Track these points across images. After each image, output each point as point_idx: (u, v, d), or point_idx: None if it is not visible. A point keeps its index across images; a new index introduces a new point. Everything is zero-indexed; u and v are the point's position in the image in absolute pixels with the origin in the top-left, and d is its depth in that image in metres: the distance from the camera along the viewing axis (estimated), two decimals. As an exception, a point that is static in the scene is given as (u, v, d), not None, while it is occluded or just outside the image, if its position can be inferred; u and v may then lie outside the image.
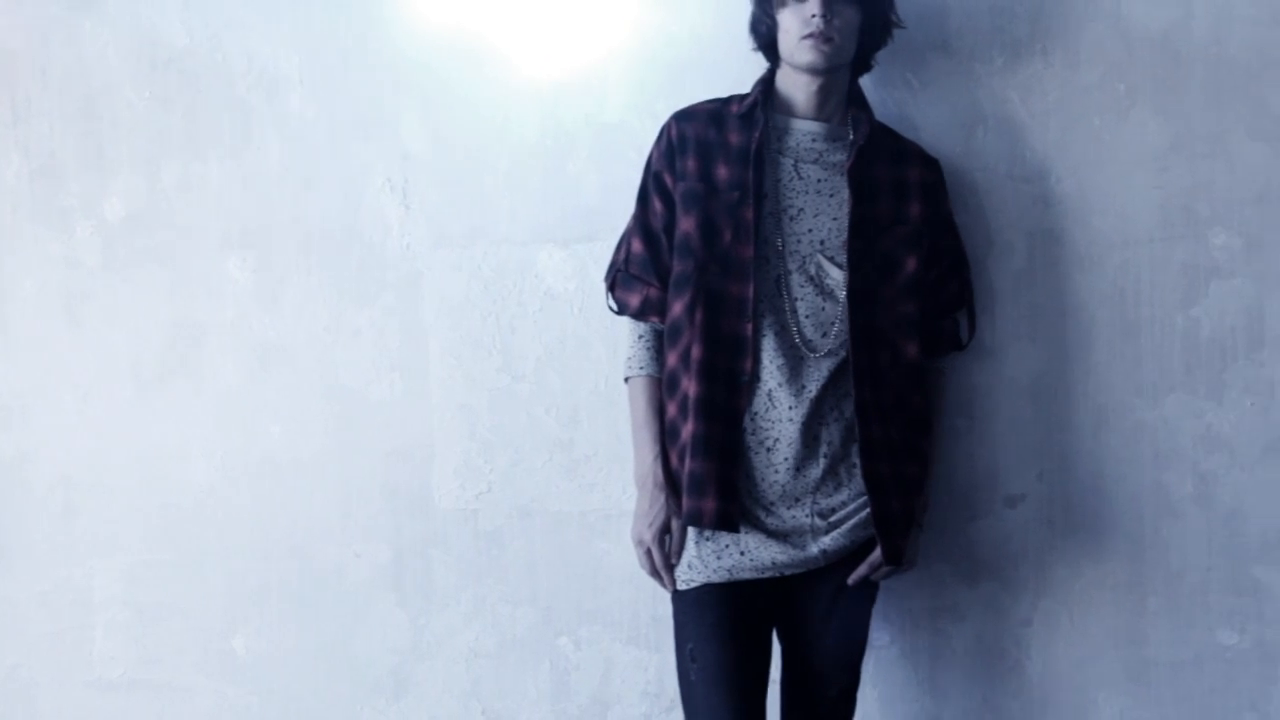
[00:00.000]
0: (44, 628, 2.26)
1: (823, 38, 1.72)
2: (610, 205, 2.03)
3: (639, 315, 1.84)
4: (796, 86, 1.80)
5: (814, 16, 1.71)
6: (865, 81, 1.89)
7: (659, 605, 2.04)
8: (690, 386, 1.74)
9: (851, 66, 1.82)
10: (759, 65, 1.86)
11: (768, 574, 1.75)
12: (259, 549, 2.18)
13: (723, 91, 1.87)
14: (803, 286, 1.77)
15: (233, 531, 2.19)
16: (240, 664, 2.20)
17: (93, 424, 2.23)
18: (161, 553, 2.21)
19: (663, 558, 1.78)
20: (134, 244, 2.21)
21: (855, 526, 1.75)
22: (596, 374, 2.07)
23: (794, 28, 1.74)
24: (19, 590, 2.26)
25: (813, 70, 1.75)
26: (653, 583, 1.87)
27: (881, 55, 1.88)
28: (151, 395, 2.21)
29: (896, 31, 1.86)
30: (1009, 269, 1.98)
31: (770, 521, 1.75)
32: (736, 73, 1.90)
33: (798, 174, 1.79)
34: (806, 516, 1.75)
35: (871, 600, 1.84)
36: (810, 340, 1.76)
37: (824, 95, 1.79)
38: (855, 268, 1.76)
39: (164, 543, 2.21)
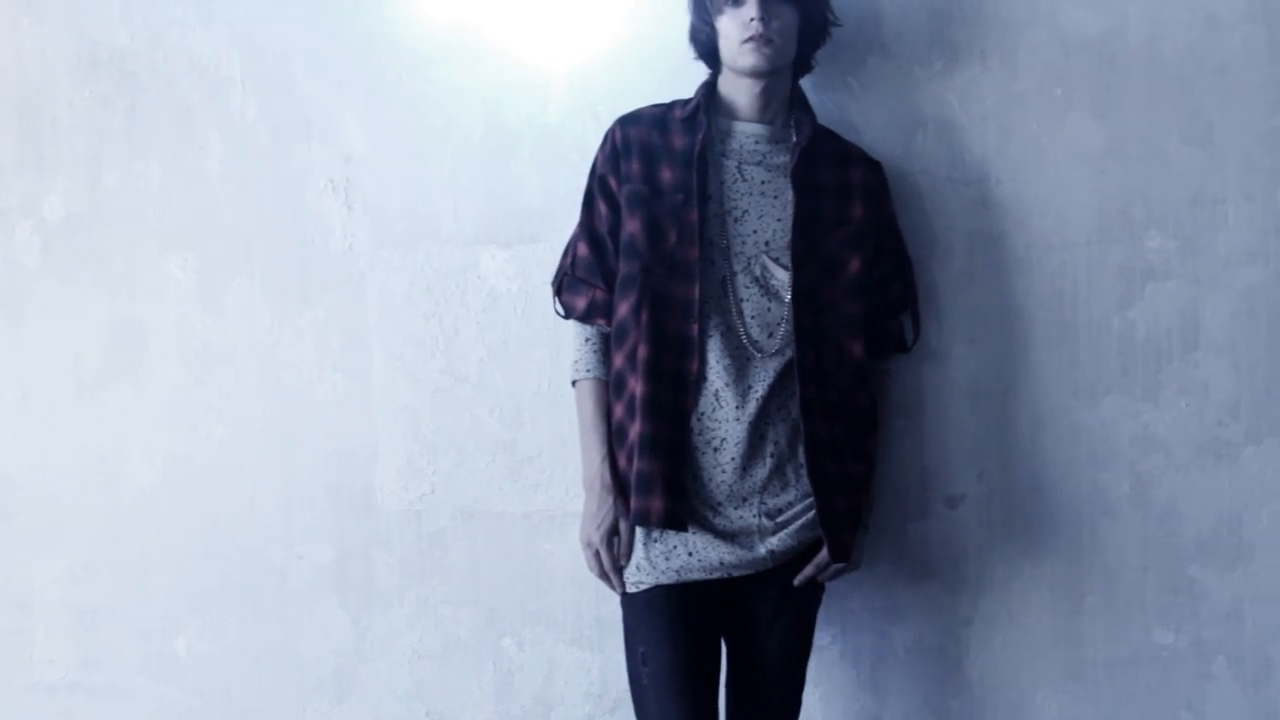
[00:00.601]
0: (-16, 631, 2.25)
1: (763, 40, 1.74)
2: (552, 206, 2.04)
3: (585, 318, 1.85)
4: (738, 90, 1.81)
5: (752, 20, 1.73)
6: (806, 84, 1.91)
7: (602, 606, 2.05)
8: (637, 387, 1.75)
9: (793, 69, 1.84)
10: (702, 70, 1.88)
11: (716, 575, 1.76)
12: (201, 550, 2.18)
13: (665, 94, 1.88)
14: (748, 287, 1.78)
15: (174, 533, 2.18)
16: (182, 666, 2.19)
17: (33, 425, 2.22)
18: (102, 554, 2.20)
19: (611, 560, 1.79)
20: (74, 244, 2.20)
21: (802, 527, 1.76)
22: (540, 375, 2.07)
23: (733, 33, 1.76)
24: (-42, 593, 2.25)
25: (755, 73, 1.77)
26: (596, 584, 1.87)
27: (822, 58, 1.90)
28: (92, 396, 2.20)
29: (837, 35, 1.88)
30: (949, 271, 1.99)
31: (718, 522, 1.76)
32: (680, 77, 1.90)
33: (741, 176, 1.80)
34: (754, 517, 1.76)
35: (817, 602, 1.86)
36: (756, 340, 1.78)
37: (766, 98, 1.81)
38: (800, 268, 1.77)
39: (105, 544, 2.20)
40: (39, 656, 2.23)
